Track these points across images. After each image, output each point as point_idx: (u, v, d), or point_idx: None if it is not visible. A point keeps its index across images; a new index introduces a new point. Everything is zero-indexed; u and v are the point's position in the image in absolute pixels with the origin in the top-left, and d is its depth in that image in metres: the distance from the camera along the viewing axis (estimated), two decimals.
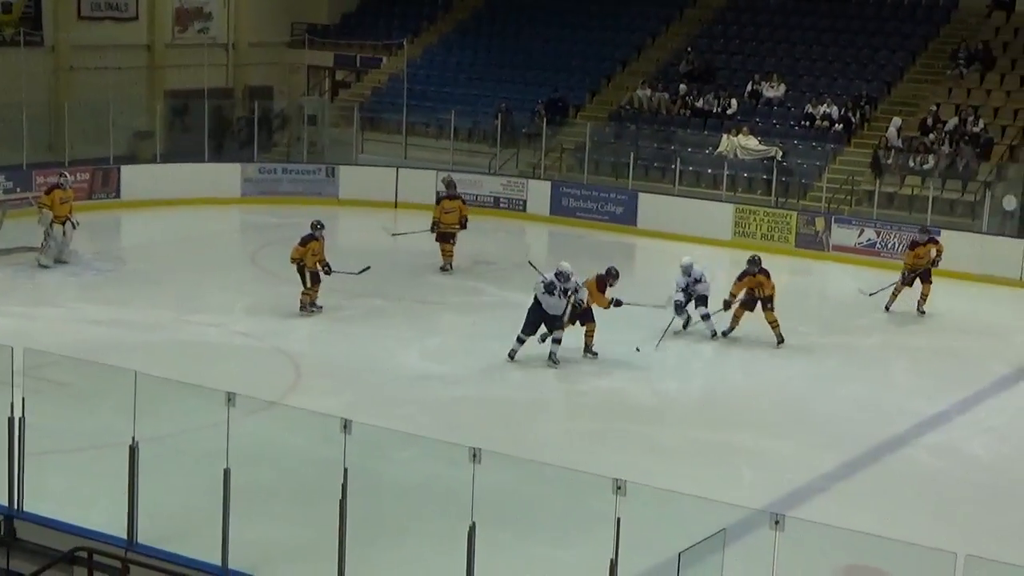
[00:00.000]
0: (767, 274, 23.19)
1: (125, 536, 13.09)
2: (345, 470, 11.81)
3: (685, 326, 23.50)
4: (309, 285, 23.70)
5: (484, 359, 21.96)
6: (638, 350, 22.11)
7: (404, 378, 20.91)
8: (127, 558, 12.57)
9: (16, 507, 13.68)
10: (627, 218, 33.97)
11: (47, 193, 27.29)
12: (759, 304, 23.27)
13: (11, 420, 13.60)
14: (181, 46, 42.11)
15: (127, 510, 13.15)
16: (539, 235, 34.46)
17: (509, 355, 21.47)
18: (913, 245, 26.24)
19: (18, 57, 36.98)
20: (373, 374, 20.97)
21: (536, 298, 21.52)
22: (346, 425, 11.74)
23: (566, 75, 39.98)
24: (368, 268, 25.08)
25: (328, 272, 23.75)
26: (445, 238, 28.03)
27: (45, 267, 26.67)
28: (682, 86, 37.60)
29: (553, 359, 21.35)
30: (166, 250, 30.33)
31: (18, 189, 31.88)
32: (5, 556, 13.42)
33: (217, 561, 12.61)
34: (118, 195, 34.48)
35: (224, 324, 23.37)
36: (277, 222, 32.45)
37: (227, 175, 35.69)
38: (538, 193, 35.20)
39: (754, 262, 23.28)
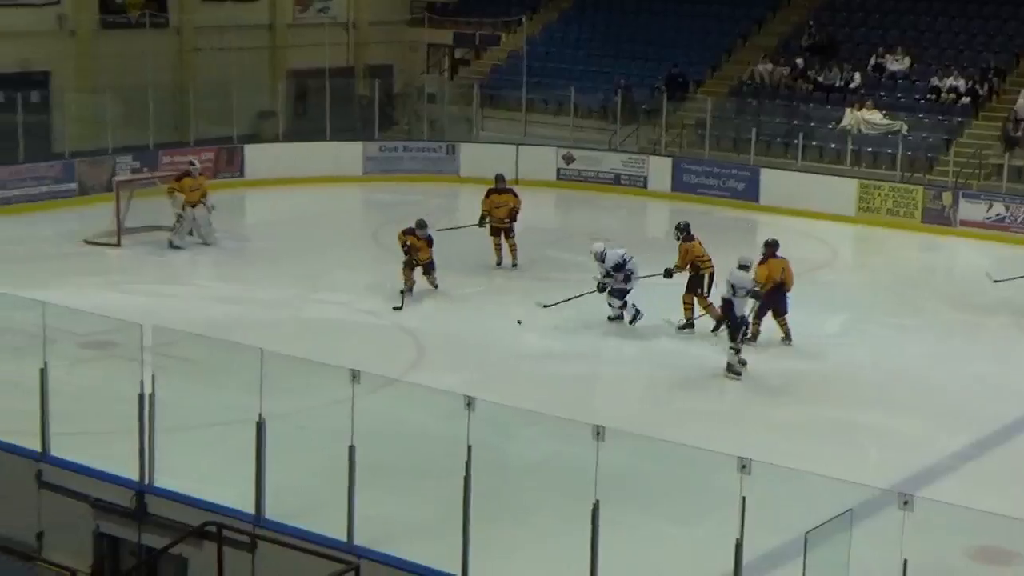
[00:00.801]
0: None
1: (253, 511, 13.25)
2: (469, 447, 11.83)
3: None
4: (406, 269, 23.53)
5: (605, 336, 21.91)
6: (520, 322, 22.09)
7: (525, 355, 20.93)
8: (255, 533, 12.72)
9: (147, 482, 13.90)
10: (749, 194, 33.67)
11: (177, 180, 27.68)
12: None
13: (141, 396, 13.82)
14: (302, 26, 42.45)
15: (254, 486, 13.31)
16: (660, 212, 34.27)
17: (730, 369, 20.04)
18: None
19: (144, 39, 37.52)
20: (494, 351, 21.01)
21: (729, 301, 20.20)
22: (470, 402, 11.76)
23: (686, 50, 39.67)
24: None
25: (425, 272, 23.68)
26: (497, 233, 26.31)
27: (178, 248, 27.06)
28: (801, 60, 37.16)
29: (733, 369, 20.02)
30: (289, 228, 30.62)
31: (145, 169, 32.37)
32: (136, 530, 13.65)
33: (343, 537, 12.71)
34: (242, 174, 34.91)
35: (347, 302, 23.55)
36: (398, 200, 32.62)
37: (349, 153, 35.96)
38: (659, 169, 35.01)
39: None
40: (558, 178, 35.83)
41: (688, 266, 22.23)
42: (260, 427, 13.23)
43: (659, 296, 22.17)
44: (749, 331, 20.60)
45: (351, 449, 12.60)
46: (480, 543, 12.22)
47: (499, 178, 26.98)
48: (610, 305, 22.25)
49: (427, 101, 39.93)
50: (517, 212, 26.27)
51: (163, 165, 32.23)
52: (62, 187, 31.89)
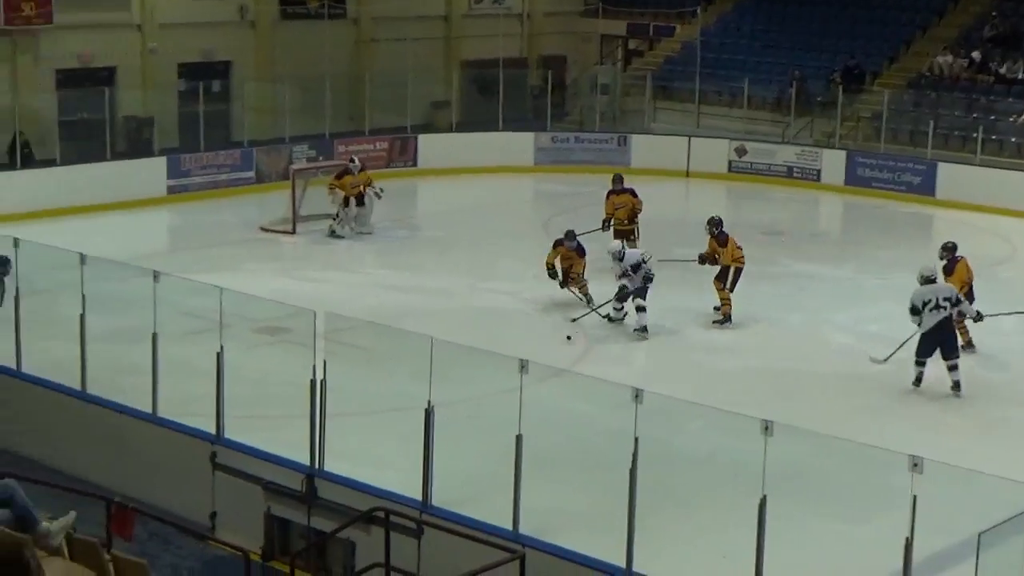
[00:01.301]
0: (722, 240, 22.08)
1: (420, 498, 13.38)
2: (636, 439, 11.80)
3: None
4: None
5: (773, 330, 21.71)
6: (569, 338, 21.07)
7: (692, 347, 20.83)
8: (422, 519, 12.85)
9: (317, 466, 14.12)
10: (925, 188, 33.02)
11: (338, 178, 27.98)
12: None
13: (313, 382, 14.04)
14: (477, 16, 42.71)
15: (422, 472, 13.44)
16: (833, 206, 33.85)
17: (916, 382, 18.89)
18: None
19: (322, 29, 38.07)
20: (661, 343, 20.93)
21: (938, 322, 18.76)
22: (637, 394, 11.72)
23: (863, 41, 39.07)
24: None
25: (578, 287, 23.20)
26: (620, 236, 25.05)
27: (340, 237, 27.45)
28: (980, 52, 36.32)
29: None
30: (460, 218, 30.84)
31: (320, 158, 32.88)
32: (306, 513, 13.88)
33: (508, 526, 12.78)
34: (415, 163, 35.28)
35: (516, 292, 23.64)
36: (569, 191, 32.67)
37: (520, 144, 36.11)
38: (833, 162, 34.52)
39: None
40: (730, 170, 35.54)
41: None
42: (429, 414, 13.35)
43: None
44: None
45: (518, 438, 12.66)
46: (645, 535, 12.19)
47: (617, 178, 26.12)
48: (615, 309, 21.70)
49: (599, 92, 39.88)
50: (638, 213, 25.45)
51: (338, 154, 32.69)
52: (240, 175, 32.55)
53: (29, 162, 30.88)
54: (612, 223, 25.39)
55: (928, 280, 18.80)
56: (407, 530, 12.80)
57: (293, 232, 27.77)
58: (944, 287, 18.94)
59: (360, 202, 27.69)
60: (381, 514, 12.51)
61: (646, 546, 12.20)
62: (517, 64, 41.81)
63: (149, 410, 15.68)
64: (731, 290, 21.91)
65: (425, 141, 35.78)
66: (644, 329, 21.08)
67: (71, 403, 16.36)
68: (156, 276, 15.30)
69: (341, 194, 27.56)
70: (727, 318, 21.89)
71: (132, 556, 10.16)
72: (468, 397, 15.12)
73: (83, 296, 16.30)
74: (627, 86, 41.12)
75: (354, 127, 36.09)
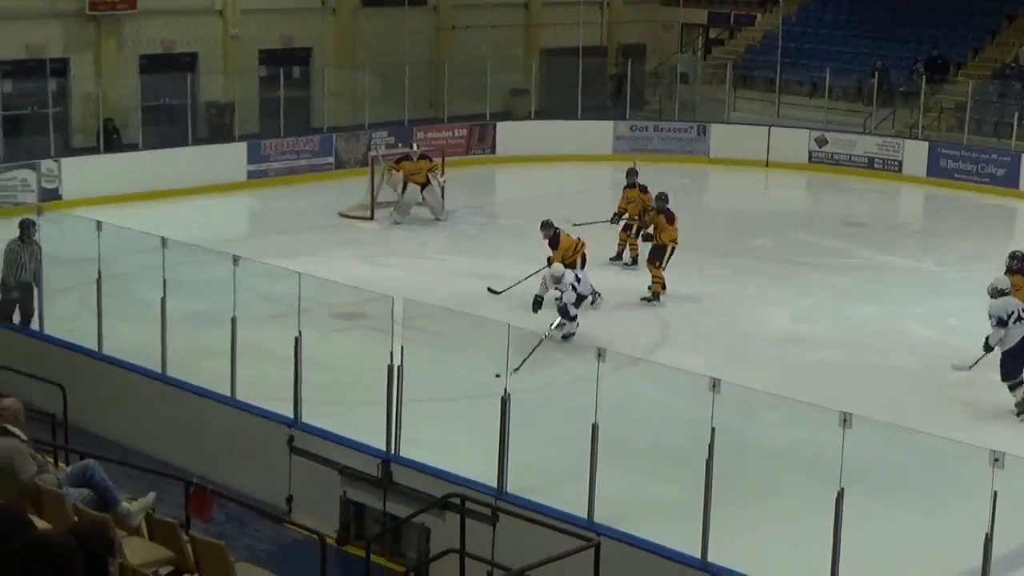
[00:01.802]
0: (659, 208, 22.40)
1: (495, 485, 13.39)
2: (712, 429, 11.75)
3: None
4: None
5: (852, 322, 21.54)
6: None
7: (771, 339, 20.70)
8: (497, 506, 12.86)
9: (393, 452, 14.18)
10: (1009, 180, 32.59)
11: (396, 163, 28.16)
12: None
13: (390, 368, 14.08)
14: (557, 4, 42.62)
15: (497, 459, 13.45)
16: (914, 197, 33.51)
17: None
18: None
19: (402, 17, 38.17)
20: (740, 334, 20.82)
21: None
22: (715, 384, 11.66)
23: (947, 32, 38.64)
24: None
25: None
26: (627, 229, 25.11)
27: (397, 223, 27.51)
28: None
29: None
30: (537, 206, 30.66)
31: (400, 145, 32.99)
32: (381, 498, 13.94)
33: (583, 514, 12.77)
34: (493, 151, 35.31)
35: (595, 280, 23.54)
36: (647, 179, 32.51)
37: (599, 132, 36.05)
38: (915, 154, 34.16)
39: (632, 173, 22.07)
40: (810, 161, 35.26)
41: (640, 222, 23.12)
42: (505, 401, 13.36)
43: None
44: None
45: (594, 427, 12.64)
46: (720, 526, 12.14)
47: (630, 172, 25.74)
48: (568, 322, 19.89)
49: (679, 81, 39.69)
50: (648, 210, 24.38)
51: (417, 141, 32.79)
52: (320, 161, 32.73)
53: (113, 146, 31.22)
54: (625, 217, 25.14)
55: (1002, 293, 17.78)
56: (482, 517, 12.81)
57: (371, 218, 27.89)
58: (1015, 301, 17.79)
59: (422, 188, 27.72)
60: (456, 500, 12.53)
61: (721, 537, 12.15)
62: (596, 52, 41.70)
63: (228, 393, 15.82)
64: (664, 269, 22.03)
65: (503, 129, 35.80)
66: (566, 335, 19.34)
67: (151, 385, 16.52)
68: (236, 260, 15.41)
69: (400, 175, 27.65)
70: (656, 296, 21.93)
71: (210, 538, 10.25)
72: (544, 385, 15.11)
73: (164, 280, 16.45)
74: (707, 75, 40.93)
75: (433, 114, 36.18)
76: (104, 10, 33.11)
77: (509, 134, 35.65)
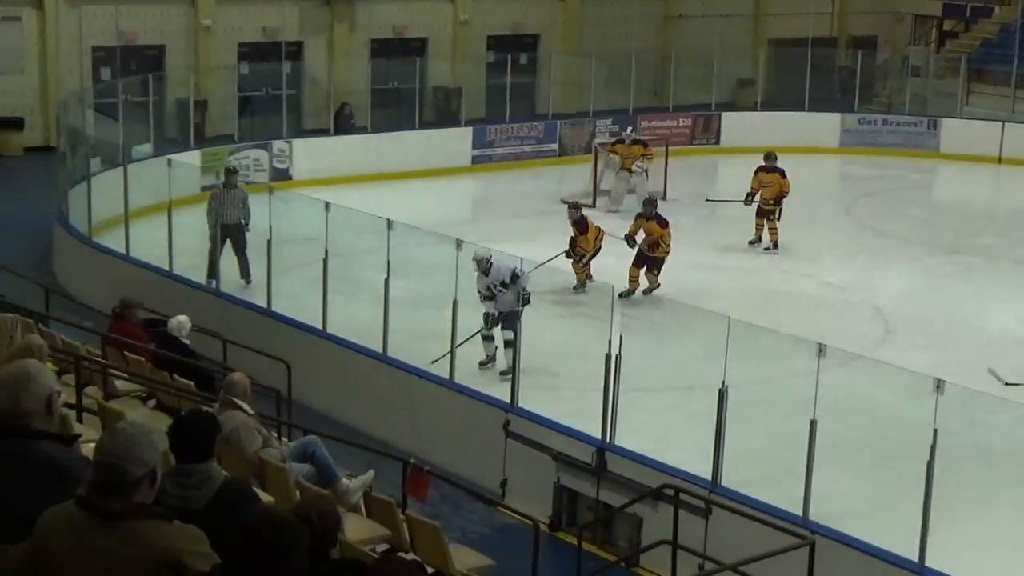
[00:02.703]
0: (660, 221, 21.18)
1: (709, 478, 13.31)
2: (935, 431, 11.49)
3: None
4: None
5: None
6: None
7: (998, 340, 20.13)
8: (711, 499, 12.79)
9: (608, 440, 14.19)
10: None
11: (612, 145, 28.17)
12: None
13: (608, 356, 14.09)
14: None
15: (713, 452, 13.37)
16: None
17: None
18: None
19: (630, 6, 38.18)
20: (965, 334, 20.29)
21: None
22: (939, 385, 11.40)
23: None
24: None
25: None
26: (761, 214, 24.80)
27: (613, 212, 27.41)
28: None
29: None
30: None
31: (624, 132, 32.94)
32: (595, 486, 13.97)
33: (798, 511, 12.61)
34: (717, 141, 35.00)
35: (815, 274, 23.27)
36: (874, 174, 31.98)
37: (826, 125, 35.44)
38: None
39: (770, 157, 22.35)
40: (756, 172, 34.10)
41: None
42: (722, 394, 13.27)
43: None
44: None
45: (812, 423, 12.48)
46: (939, 530, 11.88)
47: (769, 156, 25.39)
48: (484, 338, 17.29)
49: (911, 74, 38.84)
50: (785, 195, 24.62)
51: (642, 130, 32.68)
52: (544, 147, 32.86)
53: (344, 129, 31.83)
54: (757, 199, 24.88)
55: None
56: (695, 509, 12.76)
57: (593, 206, 27.86)
58: None
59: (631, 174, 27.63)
60: (671, 492, 12.49)
61: (940, 542, 11.90)
62: (826, 43, 41.08)
63: (446, 376, 16.01)
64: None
65: (728, 119, 35.45)
66: (508, 372, 16.08)
67: (372, 365, 16.82)
68: (459, 244, 15.58)
69: (617, 159, 27.59)
70: (633, 293, 20.89)
71: (425, 518, 10.40)
72: (763, 379, 14.95)
73: (388, 261, 16.71)
74: (940, 68, 39.94)
75: (658, 103, 36.06)
76: None
77: (734, 124, 35.28)
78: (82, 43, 31.74)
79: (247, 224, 20.42)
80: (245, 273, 20.46)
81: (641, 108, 34.82)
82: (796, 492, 12.75)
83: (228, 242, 20.39)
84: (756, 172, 25.30)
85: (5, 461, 5.23)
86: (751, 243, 24.96)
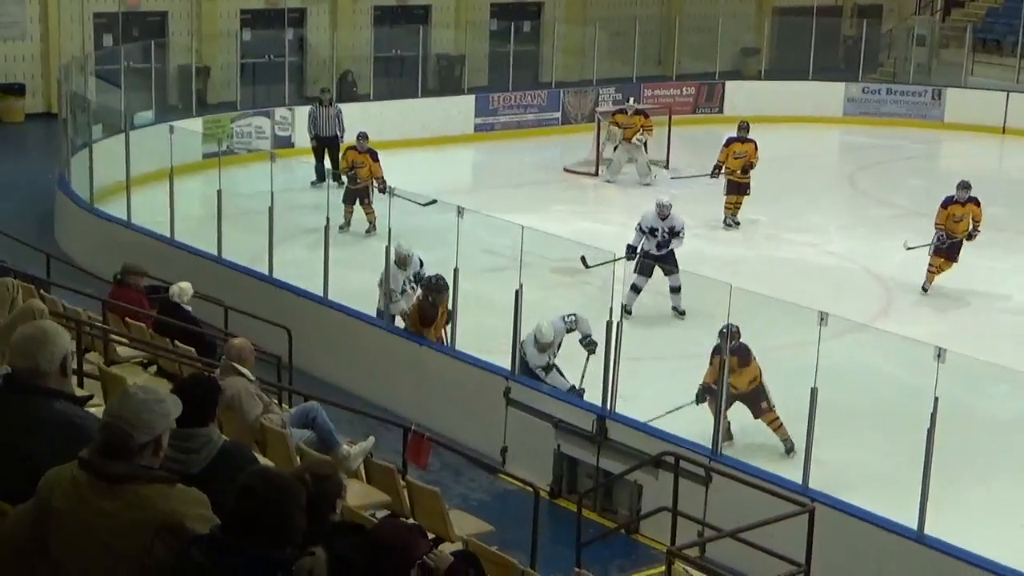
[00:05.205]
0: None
1: (709, 446, 13.33)
2: (935, 399, 11.49)
3: None
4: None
5: None
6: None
7: (1000, 310, 20.14)
8: (710, 467, 12.80)
9: (609, 408, 14.20)
10: None
11: (613, 115, 28.02)
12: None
13: (609, 324, 14.09)
14: None
15: (713, 420, 13.40)
16: None
17: None
18: None
19: None
20: (968, 304, 20.30)
21: None
22: (940, 354, 11.38)
23: None
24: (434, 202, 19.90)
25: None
26: (733, 189, 24.03)
27: (609, 182, 27.38)
28: None
29: None
30: (764, 167, 30.31)
31: (626, 102, 32.88)
32: (595, 453, 13.98)
33: (798, 479, 12.63)
34: (721, 110, 34.91)
35: (818, 244, 23.26)
36: (877, 144, 31.91)
37: (830, 94, 35.35)
38: None
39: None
40: (727, 144, 34.02)
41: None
42: (723, 362, 13.27)
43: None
44: None
45: (813, 391, 12.48)
46: (939, 499, 11.90)
47: (742, 125, 24.68)
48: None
49: (915, 43, 38.71)
50: (752, 166, 23.91)
51: (645, 99, 32.60)
52: (546, 115, 32.80)
53: (345, 97, 31.76)
54: (725, 172, 24.20)
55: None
56: (695, 477, 12.77)
57: (596, 174, 27.87)
58: None
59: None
60: (671, 459, 12.51)
61: (939, 510, 11.91)
62: (831, 12, 40.95)
63: (447, 343, 16.02)
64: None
65: (732, 88, 35.37)
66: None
67: (373, 332, 16.83)
68: (460, 212, 15.55)
69: (618, 132, 27.44)
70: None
71: (425, 484, 10.41)
72: (763, 348, 14.93)
73: (389, 229, 16.71)
74: (945, 37, 39.81)
75: (661, 71, 35.98)
76: None
77: (738, 93, 35.19)
78: (84, 9, 31.65)
79: (342, 136, 25.27)
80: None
81: (645, 77, 34.75)
82: (796, 460, 12.76)
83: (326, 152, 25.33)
84: (729, 143, 24.45)
85: (23, 417, 5.33)
86: (727, 226, 24.10)
